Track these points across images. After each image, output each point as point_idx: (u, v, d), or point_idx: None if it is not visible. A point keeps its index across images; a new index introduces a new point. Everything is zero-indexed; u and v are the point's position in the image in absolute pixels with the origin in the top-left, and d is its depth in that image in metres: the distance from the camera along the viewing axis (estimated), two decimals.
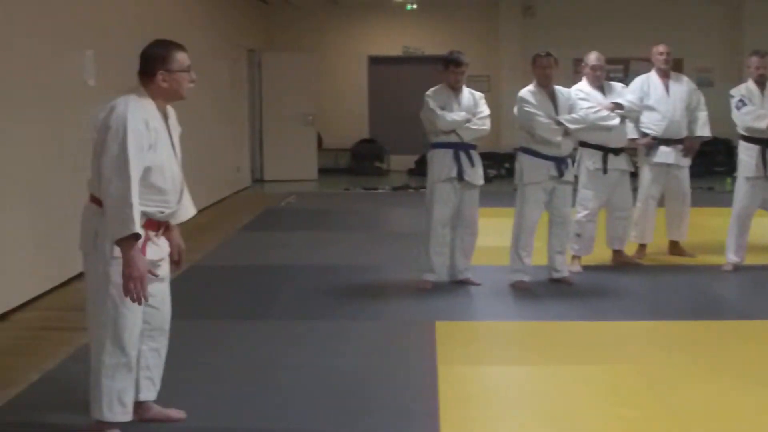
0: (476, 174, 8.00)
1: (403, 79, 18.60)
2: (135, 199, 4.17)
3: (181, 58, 4.48)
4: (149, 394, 4.76)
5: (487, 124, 8.00)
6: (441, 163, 7.92)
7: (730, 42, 18.68)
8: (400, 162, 18.97)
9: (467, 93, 8.03)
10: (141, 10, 10.31)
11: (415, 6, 18.24)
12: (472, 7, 18.92)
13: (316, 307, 7.53)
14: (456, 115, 7.86)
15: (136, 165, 4.20)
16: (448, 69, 7.94)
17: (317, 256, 9.70)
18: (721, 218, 9.33)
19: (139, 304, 4.31)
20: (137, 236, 4.19)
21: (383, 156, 19.24)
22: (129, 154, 4.17)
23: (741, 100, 8.66)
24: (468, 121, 7.89)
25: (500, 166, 17.56)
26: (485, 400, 5.34)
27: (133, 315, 4.41)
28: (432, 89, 8.02)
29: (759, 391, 5.38)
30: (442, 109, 7.87)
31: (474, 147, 8.05)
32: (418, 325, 6.87)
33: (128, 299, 4.28)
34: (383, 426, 4.87)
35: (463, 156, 7.91)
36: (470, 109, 7.95)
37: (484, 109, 8.02)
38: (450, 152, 7.90)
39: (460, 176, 7.89)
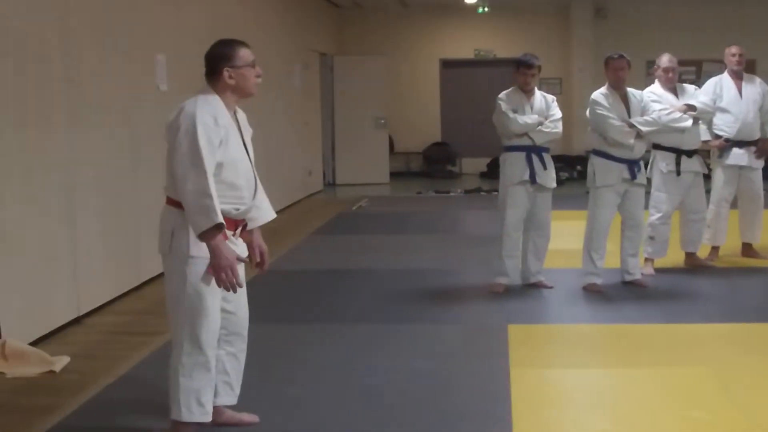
0: (549, 177, 8.02)
1: (474, 82, 18.65)
2: (213, 190, 4.21)
3: (245, 53, 4.52)
4: (228, 398, 4.81)
5: (559, 127, 8.01)
6: (513, 166, 7.95)
7: None
8: (472, 165, 19.01)
9: (539, 96, 8.06)
10: (212, 16, 10.45)
11: (486, 9, 18.28)
12: (543, 9, 18.91)
13: (390, 310, 7.59)
14: (528, 118, 7.89)
15: (209, 159, 4.25)
16: (519, 71, 7.98)
17: (390, 260, 9.79)
18: None
19: (234, 291, 4.38)
20: (220, 227, 4.23)
21: (455, 159, 19.28)
22: (201, 147, 4.22)
23: None
24: (540, 124, 7.91)
25: (572, 168, 17.53)
26: (558, 403, 5.36)
27: (210, 314, 4.47)
28: (504, 92, 8.05)
29: None
30: (515, 112, 7.90)
31: (547, 150, 8.07)
32: (491, 328, 6.91)
33: (208, 296, 4.39)
34: (457, 429, 4.90)
35: (535, 159, 7.93)
36: (542, 111, 7.97)
37: (557, 112, 8.04)
38: (522, 155, 7.93)
39: (533, 179, 7.92)
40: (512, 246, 8.07)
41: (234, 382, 4.83)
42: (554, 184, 8.09)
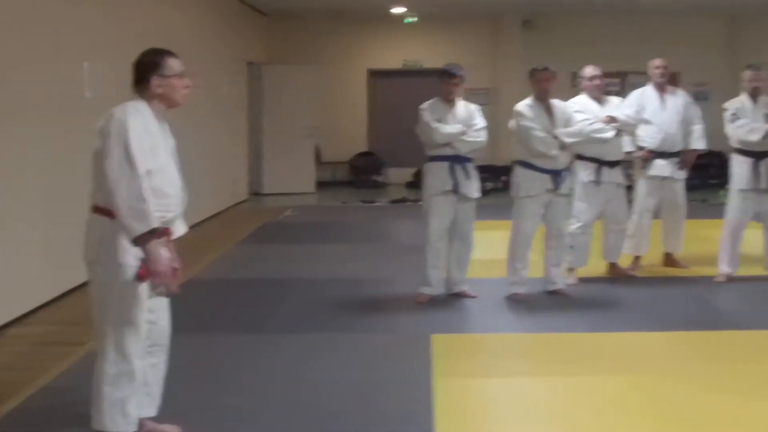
0: (472, 187, 8.04)
1: (402, 93, 18.65)
2: (148, 195, 4.19)
3: (174, 63, 4.51)
4: (149, 410, 4.76)
5: (482, 136, 8.04)
6: (437, 176, 7.97)
7: (726, 56, 18.80)
8: (399, 175, 19.02)
9: (462, 105, 8.08)
10: (140, 25, 10.34)
11: (415, 19, 18.33)
12: (472, 20, 19.00)
13: (313, 320, 7.56)
14: (451, 128, 7.91)
15: (142, 164, 4.22)
16: (443, 81, 8.00)
17: (316, 270, 9.74)
18: (714, 230, 9.36)
19: (169, 296, 4.38)
20: (155, 231, 4.21)
21: (381, 169, 19.29)
22: (133, 152, 4.19)
23: (734, 114, 8.74)
24: (464, 133, 7.93)
25: (498, 179, 17.57)
26: (481, 412, 5.37)
27: (137, 323, 4.42)
28: (427, 102, 8.07)
29: (757, 402, 5.44)
30: (438, 121, 7.92)
31: (470, 160, 8.09)
32: (415, 338, 6.89)
33: (134, 305, 4.36)
34: None
35: (458, 169, 7.95)
36: (465, 121, 8.00)
37: (480, 121, 8.07)
38: (446, 165, 7.94)
39: (456, 189, 7.94)
40: (436, 256, 8.08)
41: (155, 393, 4.78)
42: (478, 194, 8.11)
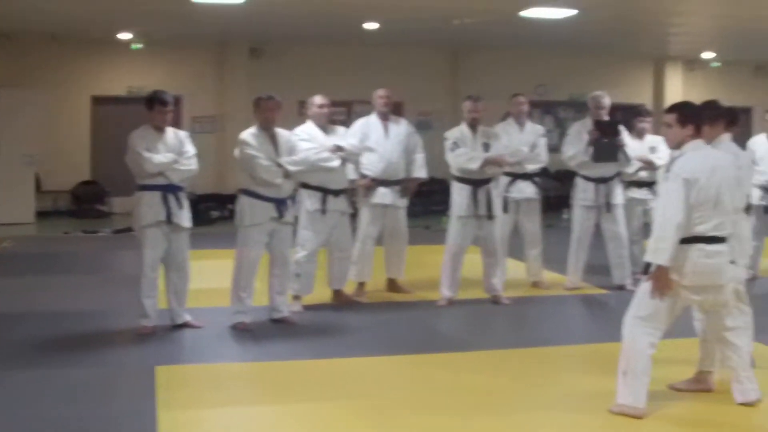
0: (185, 216, 7.95)
1: (127, 120, 18.04)
2: None
3: None
4: None
5: (194, 164, 7.97)
6: (149, 206, 7.81)
7: (449, 87, 19.50)
8: (123, 204, 18.47)
9: (171, 132, 7.97)
10: None
11: (141, 45, 17.99)
12: (199, 47, 18.80)
13: (30, 357, 7.23)
14: (163, 157, 7.78)
15: None
16: (154, 109, 7.86)
17: (35, 303, 9.31)
18: (437, 255, 9.65)
19: None
20: None
21: (105, 198, 18.76)
22: None
23: (455, 143, 9.05)
24: (176, 161, 7.83)
25: (224, 207, 17.41)
26: None
27: None
28: (136, 131, 7.91)
29: (477, 420, 5.66)
30: (149, 150, 7.76)
31: (182, 188, 8.00)
32: (138, 371, 6.75)
33: None
34: None
35: (171, 198, 7.84)
36: (176, 148, 7.90)
37: (190, 149, 8.00)
38: (158, 195, 7.82)
39: (169, 219, 7.83)
40: (150, 286, 7.91)
41: None
42: (190, 224, 8.02)
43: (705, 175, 5.58)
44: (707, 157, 5.74)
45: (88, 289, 10.23)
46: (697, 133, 5.76)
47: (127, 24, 16.37)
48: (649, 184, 10.40)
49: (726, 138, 6.44)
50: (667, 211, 5.60)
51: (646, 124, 10.53)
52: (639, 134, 10.51)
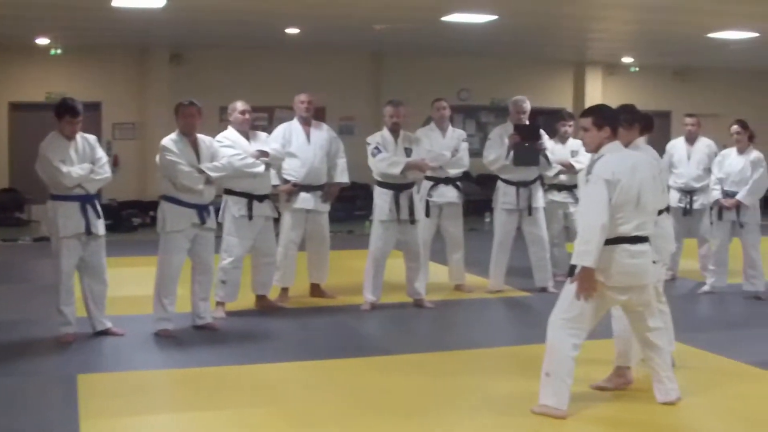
0: (100, 225, 7.89)
1: (46, 127, 17.75)
2: None
3: None
4: None
5: (108, 171, 7.95)
6: (67, 217, 7.73)
7: (371, 92, 19.56)
8: (43, 212, 18.28)
9: (80, 138, 7.86)
10: None
11: (60, 51, 17.76)
12: (119, 53, 18.58)
13: None
14: (80, 169, 7.70)
15: None
16: (63, 119, 7.76)
17: None
18: (360, 260, 9.68)
19: None
20: None
21: (24, 206, 18.49)
22: None
23: (377, 148, 9.09)
24: (92, 171, 7.76)
25: (146, 214, 17.27)
26: None
27: None
28: (45, 140, 7.78)
29: (402, 422, 5.72)
30: (63, 161, 7.65)
31: (98, 197, 7.97)
32: (60, 379, 6.67)
33: None
34: None
35: (89, 209, 7.78)
36: (87, 155, 7.83)
37: (102, 155, 7.95)
38: (76, 205, 7.74)
39: (89, 230, 7.76)
40: (68, 294, 7.83)
41: None
42: (104, 231, 7.96)
43: (626, 176, 5.67)
44: (626, 158, 5.83)
45: (8, 298, 10.09)
46: (614, 136, 5.86)
47: (46, 29, 16.14)
48: (570, 188, 10.55)
49: (641, 141, 6.56)
50: (590, 213, 5.68)
51: (568, 127, 10.69)
52: (561, 138, 10.69)
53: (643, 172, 5.80)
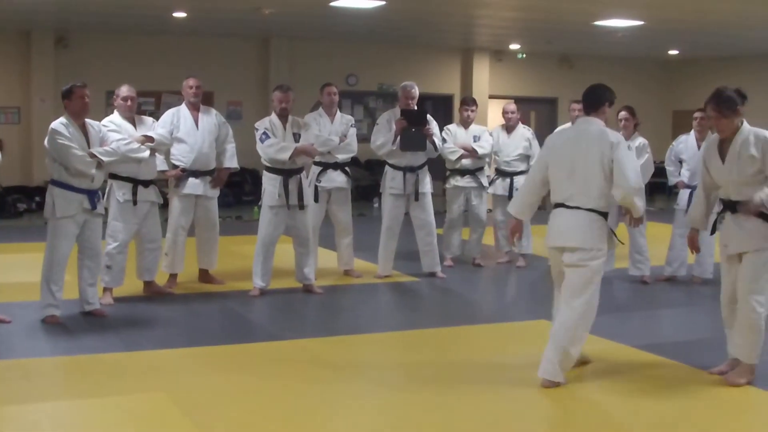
0: None
1: None
2: None
3: None
4: None
5: None
6: None
7: (259, 77, 19.51)
8: None
9: None
10: None
11: None
12: (2, 35, 18.15)
13: None
14: None
15: None
16: None
17: None
18: (249, 245, 9.70)
19: None
20: None
21: None
22: None
23: (265, 133, 9.10)
24: None
25: (31, 200, 16.99)
26: None
27: None
28: None
29: (289, 408, 5.78)
30: None
31: None
32: None
33: None
34: None
35: None
36: None
37: None
38: None
39: None
40: None
41: None
42: None
43: None
44: None
45: None
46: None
47: None
48: (473, 172, 10.74)
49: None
50: None
51: (470, 113, 10.84)
52: (464, 123, 10.84)
53: None
